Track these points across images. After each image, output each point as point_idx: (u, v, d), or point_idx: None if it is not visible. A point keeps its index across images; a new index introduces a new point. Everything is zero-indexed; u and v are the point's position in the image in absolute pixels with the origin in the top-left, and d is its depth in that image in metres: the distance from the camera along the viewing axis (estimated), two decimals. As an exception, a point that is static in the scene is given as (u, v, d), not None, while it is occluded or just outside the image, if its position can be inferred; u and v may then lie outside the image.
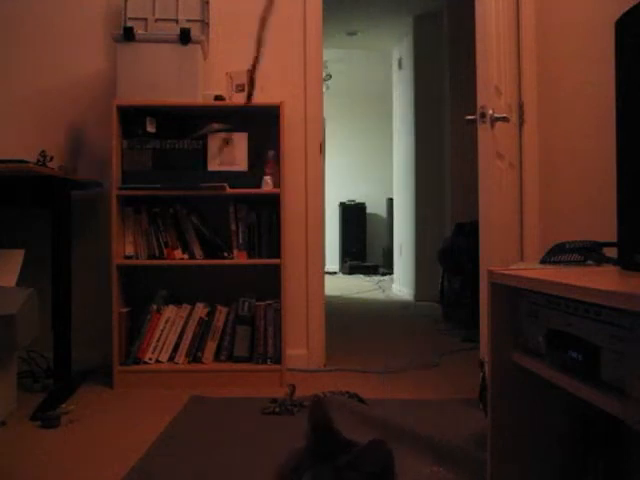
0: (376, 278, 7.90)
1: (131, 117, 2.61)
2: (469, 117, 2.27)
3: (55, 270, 2.36)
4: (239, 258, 2.61)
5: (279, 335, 2.55)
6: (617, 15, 1.21)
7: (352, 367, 2.84)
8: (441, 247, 4.23)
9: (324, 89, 3.20)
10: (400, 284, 6.08)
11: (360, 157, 9.24)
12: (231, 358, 2.59)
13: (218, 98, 2.65)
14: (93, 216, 2.84)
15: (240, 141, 2.64)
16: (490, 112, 2.14)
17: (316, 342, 2.87)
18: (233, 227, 2.63)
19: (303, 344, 2.86)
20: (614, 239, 1.27)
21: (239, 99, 2.66)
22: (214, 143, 2.63)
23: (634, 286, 0.87)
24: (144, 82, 2.53)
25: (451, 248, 4.05)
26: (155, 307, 2.59)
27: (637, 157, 1.14)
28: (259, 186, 2.60)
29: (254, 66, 2.39)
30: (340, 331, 3.82)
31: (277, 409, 2.13)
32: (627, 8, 1.18)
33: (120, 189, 2.52)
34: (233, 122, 2.67)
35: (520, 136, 2.61)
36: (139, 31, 2.56)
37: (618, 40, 1.22)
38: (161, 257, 2.60)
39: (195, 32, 2.60)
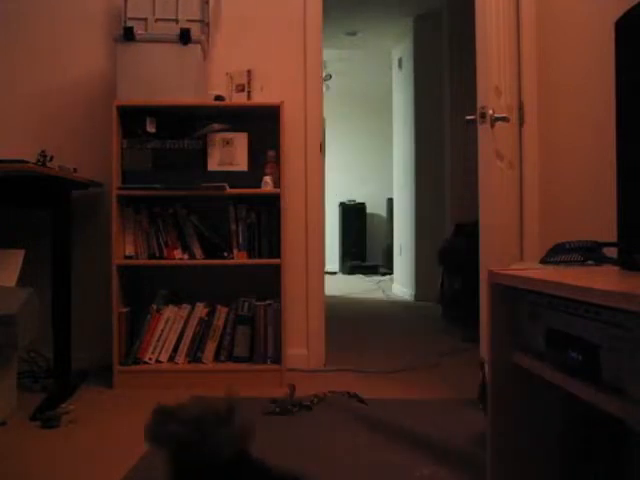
0: (376, 278, 7.90)
1: (131, 117, 2.61)
2: (469, 117, 2.27)
3: (55, 270, 2.36)
4: (239, 258, 2.61)
5: (279, 335, 2.55)
6: (617, 15, 1.21)
7: (352, 367, 2.84)
8: (441, 247, 4.23)
9: (324, 89, 3.20)
10: (400, 284, 6.08)
11: (360, 157, 9.24)
12: (231, 358, 2.59)
13: (218, 98, 2.65)
14: (93, 216, 2.85)
15: (240, 141, 2.64)
16: (490, 112, 2.14)
17: (316, 342, 2.87)
18: (233, 227, 2.63)
19: (303, 344, 2.86)
20: (614, 239, 1.27)
21: (239, 99, 2.66)
22: (214, 143, 2.63)
23: (634, 286, 0.87)
24: (144, 82, 2.53)
25: (451, 248, 4.05)
26: (155, 307, 2.59)
27: (637, 157, 1.14)
28: (259, 186, 2.60)
29: None
30: (340, 331, 3.82)
31: (277, 409, 2.12)
32: (627, 8, 1.18)
33: (120, 189, 2.52)
34: (233, 122, 2.67)
35: (520, 136, 2.61)
36: (139, 31, 2.57)
37: (618, 40, 1.22)
38: (161, 257, 2.60)
39: (195, 32, 2.60)
